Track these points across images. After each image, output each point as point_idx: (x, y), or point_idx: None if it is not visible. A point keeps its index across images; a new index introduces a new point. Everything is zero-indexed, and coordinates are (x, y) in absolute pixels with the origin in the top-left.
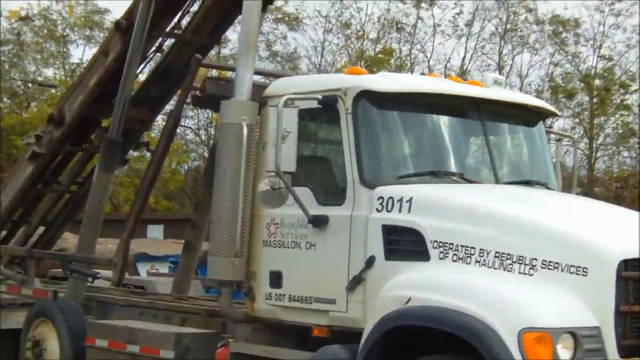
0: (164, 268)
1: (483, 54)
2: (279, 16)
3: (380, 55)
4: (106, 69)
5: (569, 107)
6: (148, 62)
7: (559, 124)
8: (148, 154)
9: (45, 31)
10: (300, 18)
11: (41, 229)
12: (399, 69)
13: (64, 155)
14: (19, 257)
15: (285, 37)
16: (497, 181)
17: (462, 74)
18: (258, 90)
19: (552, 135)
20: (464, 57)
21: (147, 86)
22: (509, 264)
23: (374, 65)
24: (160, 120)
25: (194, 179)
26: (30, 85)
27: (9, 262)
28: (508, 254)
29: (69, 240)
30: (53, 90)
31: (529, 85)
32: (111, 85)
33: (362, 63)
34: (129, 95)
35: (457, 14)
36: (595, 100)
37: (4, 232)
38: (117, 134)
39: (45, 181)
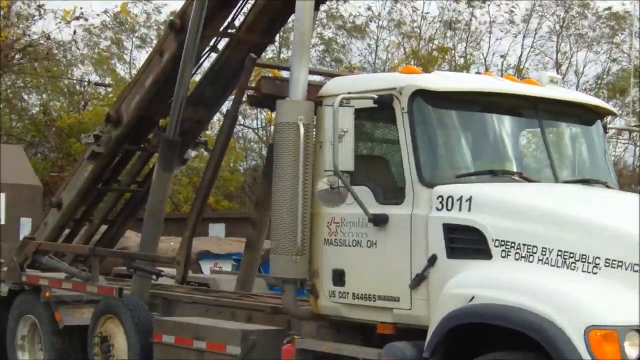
0: (227, 266)
1: (540, 51)
2: (340, 24)
3: (434, 54)
4: (162, 69)
5: (626, 105)
6: (203, 61)
7: (619, 123)
8: (206, 153)
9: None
10: (363, 27)
11: (103, 228)
12: (454, 67)
13: (123, 155)
14: (83, 255)
15: (344, 46)
16: (556, 180)
17: (519, 72)
18: (313, 90)
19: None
20: (521, 55)
21: (203, 86)
22: (572, 263)
23: (428, 64)
24: (217, 121)
25: (253, 177)
26: (86, 84)
27: (73, 260)
28: (571, 253)
29: (131, 239)
30: (110, 90)
31: (586, 83)
32: (167, 85)
33: (416, 62)
34: (185, 94)
35: (512, 9)
36: None
37: (67, 231)
38: (174, 133)
39: (105, 180)
